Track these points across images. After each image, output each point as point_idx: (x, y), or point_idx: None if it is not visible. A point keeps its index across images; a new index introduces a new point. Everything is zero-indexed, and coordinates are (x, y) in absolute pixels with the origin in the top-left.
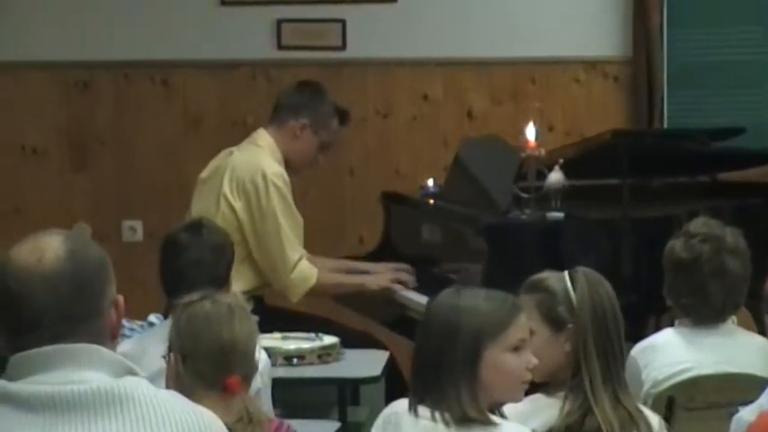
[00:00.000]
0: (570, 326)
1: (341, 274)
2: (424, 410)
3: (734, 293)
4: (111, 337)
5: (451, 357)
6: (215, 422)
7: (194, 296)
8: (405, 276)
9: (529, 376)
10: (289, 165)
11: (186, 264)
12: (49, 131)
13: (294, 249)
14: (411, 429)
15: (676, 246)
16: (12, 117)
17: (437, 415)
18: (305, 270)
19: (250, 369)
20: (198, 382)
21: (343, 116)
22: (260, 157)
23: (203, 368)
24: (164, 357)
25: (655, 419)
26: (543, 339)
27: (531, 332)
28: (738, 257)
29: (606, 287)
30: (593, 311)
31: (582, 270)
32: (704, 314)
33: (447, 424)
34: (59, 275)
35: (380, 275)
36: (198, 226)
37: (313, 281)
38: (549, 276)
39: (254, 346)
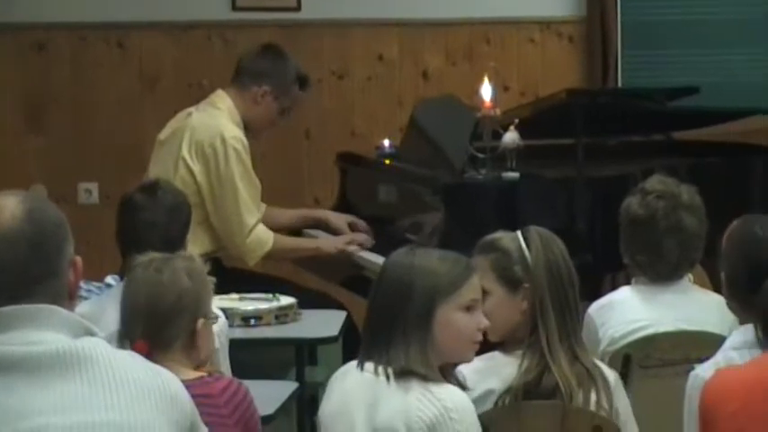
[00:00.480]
0: (526, 285)
1: (296, 238)
2: (369, 365)
3: (689, 250)
4: (69, 298)
5: (404, 314)
6: (172, 380)
7: (142, 259)
8: (361, 238)
9: (479, 336)
10: (248, 128)
11: (140, 224)
12: (4, 93)
13: (250, 214)
14: (353, 382)
15: (632, 203)
16: None
17: (380, 369)
18: (261, 235)
19: (160, 332)
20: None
21: (303, 81)
22: (219, 120)
23: (122, 333)
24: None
25: (611, 375)
26: (499, 299)
27: (486, 293)
28: (694, 214)
29: (559, 244)
30: (548, 269)
31: (534, 228)
32: (660, 271)
33: (387, 377)
34: (17, 235)
35: (337, 238)
36: (153, 187)
37: (269, 246)
38: (502, 236)
39: (167, 311)
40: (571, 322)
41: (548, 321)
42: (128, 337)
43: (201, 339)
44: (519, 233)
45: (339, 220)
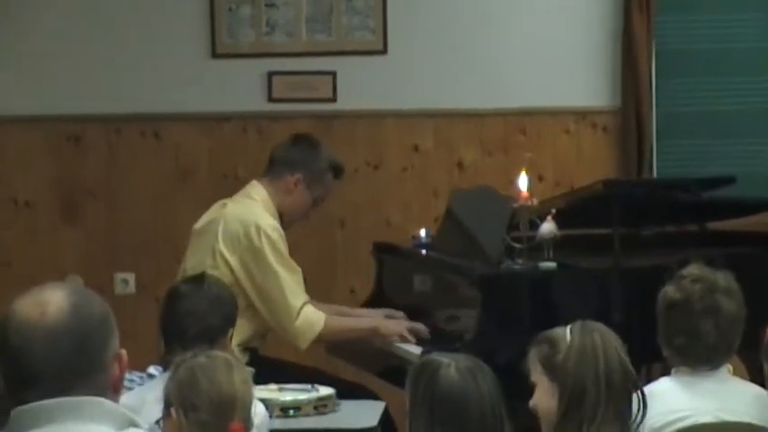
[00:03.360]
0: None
1: (352, 318)
2: None
3: (727, 332)
4: (113, 391)
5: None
6: None
7: (188, 354)
8: (421, 327)
9: None
10: (281, 218)
11: (181, 312)
12: (41, 185)
13: (296, 296)
14: None
15: (669, 289)
16: (4, 171)
17: None
18: (310, 316)
19: (248, 416)
20: None
21: (337, 170)
22: (254, 209)
23: (206, 419)
24: (157, 422)
25: None
26: (543, 390)
27: (534, 384)
28: (731, 298)
29: (607, 338)
30: (580, 360)
31: (585, 322)
32: (698, 354)
33: None
34: (62, 330)
35: (399, 322)
36: (200, 279)
37: (320, 327)
38: (555, 330)
39: (251, 395)
40: (603, 414)
41: (574, 413)
42: (223, 422)
43: None
44: (569, 326)
45: (374, 315)
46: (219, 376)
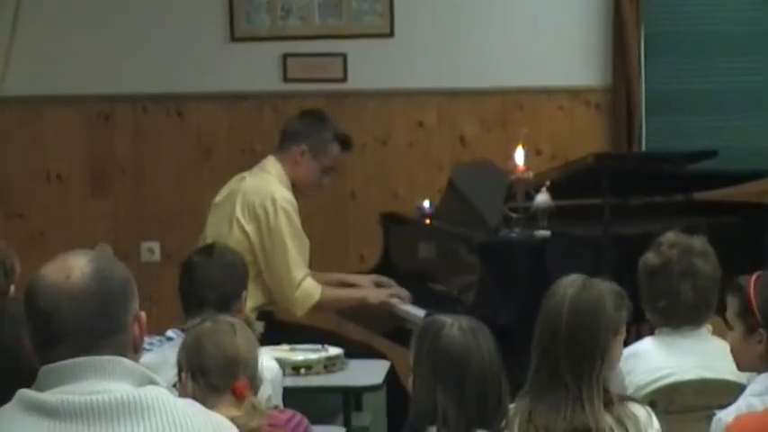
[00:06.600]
0: None
1: (344, 289)
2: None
3: (704, 292)
4: (133, 351)
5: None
6: (229, 427)
7: (197, 320)
8: (402, 292)
9: None
10: (295, 188)
11: (197, 282)
12: (72, 160)
13: (299, 268)
14: None
15: (648, 255)
16: (38, 146)
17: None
18: (309, 287)
19: (255, 373)
20: (209, 392)
21: (345, 142)
22: (269, 182)
23: (213, 380)
24: (174, 385)
25: (641, 411)
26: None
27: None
28: (707, 260)
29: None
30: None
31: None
32: (680, 314)
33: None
34: (86, 293)
35: (382, 290)
36: (210, 249)
37: (316, 297)
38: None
39: (255, 355)
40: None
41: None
42: (229, 381)
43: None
44: None
45: (365, 280)
46: (223, 340)
